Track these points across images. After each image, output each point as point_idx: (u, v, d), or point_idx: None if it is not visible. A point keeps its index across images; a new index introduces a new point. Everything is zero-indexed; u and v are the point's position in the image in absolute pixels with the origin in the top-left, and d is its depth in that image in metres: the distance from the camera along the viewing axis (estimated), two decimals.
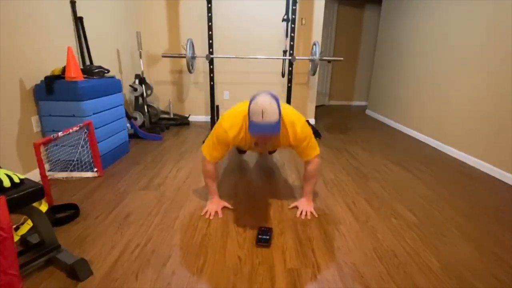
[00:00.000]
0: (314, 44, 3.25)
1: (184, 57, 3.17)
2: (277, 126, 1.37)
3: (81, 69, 2.29)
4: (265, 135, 1.43)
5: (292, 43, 3.29)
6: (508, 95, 2.38)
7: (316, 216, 1.79)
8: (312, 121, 4.31)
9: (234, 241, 1.54)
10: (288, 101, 3.51)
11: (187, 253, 1.43)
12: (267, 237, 1.50)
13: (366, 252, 1.47)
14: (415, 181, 2.36)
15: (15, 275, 0.99)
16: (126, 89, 3.51)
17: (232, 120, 1.60)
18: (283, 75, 3.69)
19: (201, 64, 4.01)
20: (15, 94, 1.97)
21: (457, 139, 2.97)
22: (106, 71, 2.50)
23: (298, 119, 1.61)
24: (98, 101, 2.29)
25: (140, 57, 3.49)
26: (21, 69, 2.00)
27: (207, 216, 1.76)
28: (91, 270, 1.28)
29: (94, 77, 2.38)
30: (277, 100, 1.41)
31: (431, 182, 2.36)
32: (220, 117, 1.89)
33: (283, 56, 3.48)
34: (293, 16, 3.18)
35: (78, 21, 2.55)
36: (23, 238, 1.43)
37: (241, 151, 2.62)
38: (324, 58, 3.34)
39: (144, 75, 3.83)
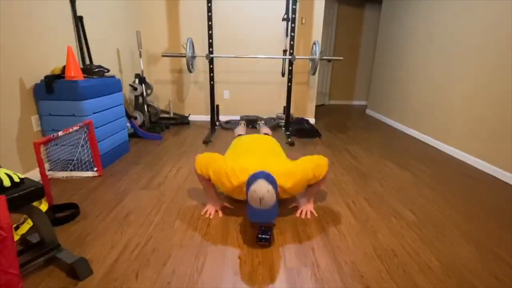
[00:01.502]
0: (314, 43, 3.24)
1: (184, 56, 3.17)
2: (274, 211, 1.45)
3: (81, 68, 2.29)
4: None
5: (292, 42, 3.28)
6: (508, 95, 2.38)
7: (316, 215, 1.79)
8: (312, 120, 4.31)
9: (234, 240, 1.54)
10: (288, 100, 3.51)
11: (187, 253, 1.43)
12: (267, 236, 1.50)
13: (366, 252, 1.47)
14: (415, 181, 2.36)
15: (15, 274, 0.99)
16: (126, 89, 3.51)
17: (237, 177, 1.59)
18: (283, 75, 3.69)
19: (201, 64, 4.01)
20: (15, 93, 1.97)
21: (457, 139, 2.96)
22: (106, 71, 2.50)
23: (292, 179, 1.60)
24: (98, 101, 2.29)
25: (140, 56, 3.49)
26: (21, 69, 2.00)
27: (207, 216, 1.76)
28: (91, 270, 1.28)
29: (94, 76, 2.38)
30: (274, 184, 1.46)
31: (431, 181, 2.36)
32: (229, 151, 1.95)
33: (283, 55, 3.48)
34: (293, 16, 3.18)
35: (78, 21, 2.54)
36: (23, 238, 1.43)
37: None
38: (324, 57, 3.34)
39: (144, 75, 3.82)
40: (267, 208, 1.43)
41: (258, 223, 1.68)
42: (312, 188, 1.80)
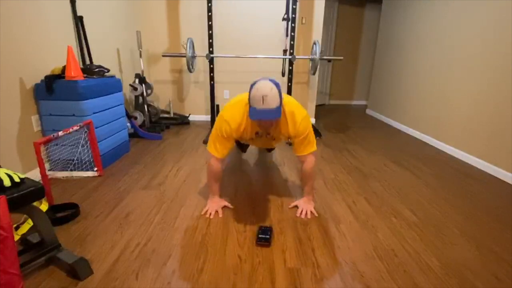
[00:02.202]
0: (314, 43, 3.24)
1: (184, 56, 3.17)
2: (278, 111, 1.37)
3: (81, 68, 2.29)
4: (265, 120, 1.44)
5: (292, 42, 3.28)
6: (509, 94, 2.38)
7: (316, 215, 1.79)
8: (313, 120, 4.31)
9: (234, 240, 1.54)
10: None
11: (188, 253, 1.43)
12: (267, 236, 1.50)
13: (366, 251, 1.47)
14: (415, 181, 2.36)
15: (16, 274, 0.99)
16: (126, 89, 3.51)
17: (232, 110, 1.59)
18: (283, 75, 3.69)
19: (201, 63, 4.01)
20: (15, 93, 1.97)
21: (458, 138, 2.96)
22: (106, 71, 2.50)
23: (299, 111, 1.61)
24: (98, 101, 2.29)
25: (140, 56, 3.49)
26: (21, 68, 2.00)
27: (207, 216, 1.76)
28: (91, 269, 1.28)
29: (94, 76, 2.38)
30: (277, 86, 1.40)
31: (431, 181, 2.36)
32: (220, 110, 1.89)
33: (283, 55, 3.47)
34: (293, 15, 3.18)
35: (78, 21, 2.54)
36: (23, 238, 1.43)
37: (242, 145, 2.60)
38: (324, 57, 3.34)
39: (144, 75, 3.82)
40: (270, 108, 1.34)
41: (259, 225, 1.68)
42: (307, 182, 1.80)
